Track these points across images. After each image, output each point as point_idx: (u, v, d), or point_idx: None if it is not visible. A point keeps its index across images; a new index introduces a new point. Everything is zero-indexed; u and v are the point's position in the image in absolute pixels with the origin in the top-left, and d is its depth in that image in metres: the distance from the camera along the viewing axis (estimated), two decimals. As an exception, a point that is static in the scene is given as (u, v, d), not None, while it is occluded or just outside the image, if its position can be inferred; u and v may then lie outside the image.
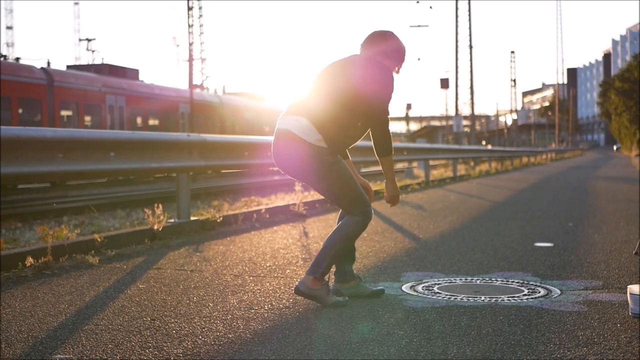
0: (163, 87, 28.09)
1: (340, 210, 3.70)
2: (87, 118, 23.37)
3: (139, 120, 25.87)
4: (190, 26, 39.28)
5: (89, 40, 52.84)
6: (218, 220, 6.87)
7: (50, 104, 21.71)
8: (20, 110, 20.64)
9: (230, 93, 36.62)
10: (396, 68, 3.61)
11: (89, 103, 23.31)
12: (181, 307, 3.46)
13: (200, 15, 43.32)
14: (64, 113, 22.46)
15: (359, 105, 3.42)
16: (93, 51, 50.90)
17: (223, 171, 25.87)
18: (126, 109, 24.93)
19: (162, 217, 6.08)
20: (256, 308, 3.44)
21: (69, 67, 26.85)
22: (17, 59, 24.09)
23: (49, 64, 25.20)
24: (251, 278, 4.23)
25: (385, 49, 3.56)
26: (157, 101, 26.63)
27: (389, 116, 3.53)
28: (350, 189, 3.48)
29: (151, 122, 26.57)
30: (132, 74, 27.23)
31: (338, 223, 3.63)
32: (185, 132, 27.22)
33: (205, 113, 29.84)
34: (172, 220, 6.48)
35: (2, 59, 23.54)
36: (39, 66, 22.17)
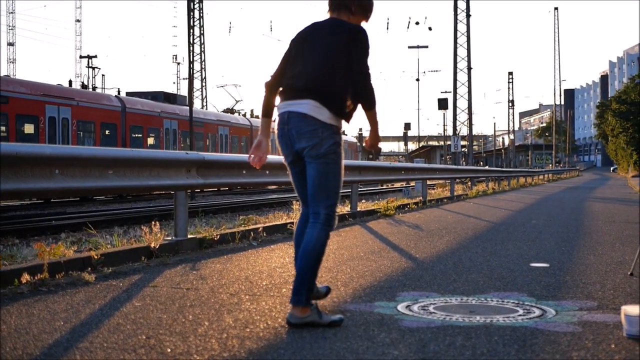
0: (206, 112, 33.20)
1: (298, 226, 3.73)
2: (150, 140, 27.31)
3: (187, 141, 29.17)
4: (191, 44, 39.46)
5: (90, 57, 53.03)
6: (215, 238, 6.88)
7: (123, 127, 25.53)
8: (101, 133, 24.35)
9: (257, 116, 38.71)
10: (363, 21, 3.73)
11: (151, 126, 27.36)
12: (176, 325, 3.46)
13: (202, 34, 43.49)
14: (133, 135, 26.24)
15: (347, 70, 3.50)
16: (94, 68, 51.08)
17: (221, 189, 26.77)
18: (178, 131, 28.68)
19: (159, 235, 6.09)
20: (251, 327, 3.44)
21: (128, 93, 30.25)
22: (94, 87, 27.90)
23: (119, 91, 29.55)
24: (247, 297, 4.24)
25: (349, 5, 3.68)
26: (202, 125, 30.63)
27: (369, 71, 3.59)
28: (338, 178, 3.56)
29: (197, 143, 29.94)
30: (182, 99, 31.49)
31: (298, 229, 3.69)
32: (226, 152, 31.63)
33: (239, 135, 34.05)
34: (169, 238, 6.48)
35: (85, 88, 27.81)
36: (113, 94, 26.64)
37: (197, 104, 42.71)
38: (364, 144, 3.96)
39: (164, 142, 27.57)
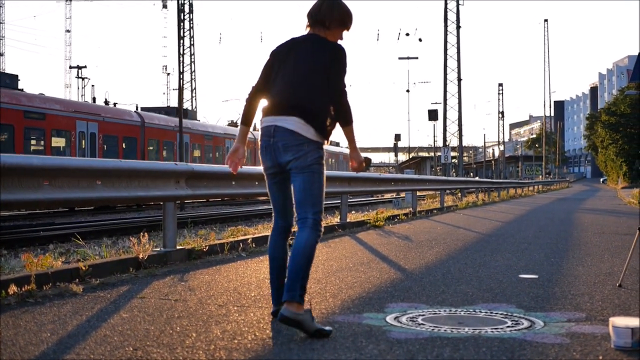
0: (215, 126, 35.02)
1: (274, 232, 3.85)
2: (164, 153, 29.13)
3: (198, 153, 31.18)
4: (181, 55, 39.53)
5: (79, 67, 52.94)
6: (204, 250, 6.86)
7: (142, 141, 27.26)
8: (122, 146, 26.02)
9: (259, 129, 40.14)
10: (344, 31, 3.82)
11: (166, 139, 29.26)
12: (164, 336, 3.45)
13: (192, 44, 43.55)
14: (150, 148, 28.01)
15: (328, 88, 3.60)
16: (83, 79, 51.04)
17: (211, 200, 26.99)
18: (190, 144, 30.30)
19: (147, 246, 6.06)
20: (239, 338, 3.43)
21: (142, 108, 31.67)
22: (115, 104, 29.20)
23: (137, 107, 31.04)
24: (235, 308, 4.23)
25: (323, 21, 3.75)
26: (211, 138, 32.68)
27: (346, 88, 3.68)
28: (322, 187, 3.66)
29: (206, 155, 31.94)
30: (193, 114, 33.61)
31: (272, 241, 3.83)
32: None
33: (245, 148, 37.05)
34: (157, 249, 6.46)
35: (106, 104, 28.92)
36: (132, 110, 28.26)
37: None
38: (350, 166, 4.06)
39: (177, 154, 29.04)
